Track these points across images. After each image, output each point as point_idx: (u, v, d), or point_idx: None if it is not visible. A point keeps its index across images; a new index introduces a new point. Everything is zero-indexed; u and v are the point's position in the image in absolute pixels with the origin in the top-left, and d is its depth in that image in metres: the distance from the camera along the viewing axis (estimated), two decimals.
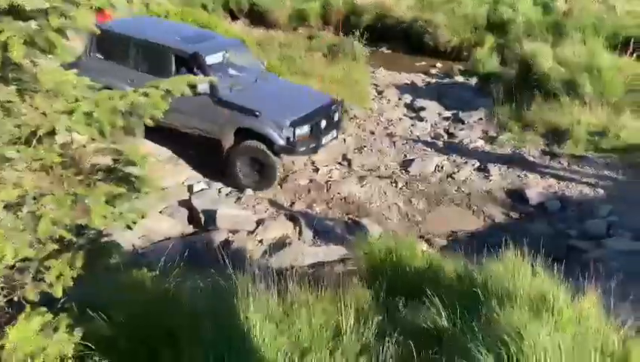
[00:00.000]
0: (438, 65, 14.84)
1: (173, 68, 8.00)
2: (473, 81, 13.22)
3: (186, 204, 7.43)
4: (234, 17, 19.43)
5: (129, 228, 2.87)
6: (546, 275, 3.31)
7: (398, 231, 6.93)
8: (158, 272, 3.76)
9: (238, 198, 7.82)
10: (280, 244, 6.76)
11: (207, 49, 8.10)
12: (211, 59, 8.04)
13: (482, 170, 8.68)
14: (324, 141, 8.12)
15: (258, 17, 19.44)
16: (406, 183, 8.24)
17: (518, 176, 8.50)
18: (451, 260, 4.32)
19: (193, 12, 12.32)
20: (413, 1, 17.99)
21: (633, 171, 8.33)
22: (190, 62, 7.93)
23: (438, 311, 2.96)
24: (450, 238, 7.07)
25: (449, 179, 8.43)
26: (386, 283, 3.50)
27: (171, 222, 6.98)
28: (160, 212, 7.10)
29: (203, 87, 7.44)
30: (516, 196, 7.94)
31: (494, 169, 8.63)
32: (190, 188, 7.96)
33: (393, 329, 2.80)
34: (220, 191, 8.08)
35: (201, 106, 7.76)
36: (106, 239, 3.09)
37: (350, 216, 7.49)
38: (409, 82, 13.46)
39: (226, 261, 3.82)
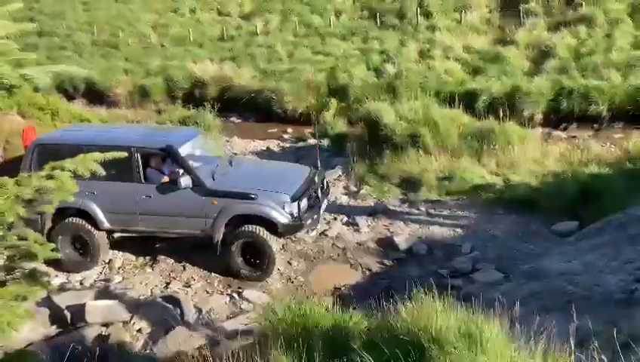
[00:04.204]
0: (289, 130, 15.32)
1: (141, 168, 7.23)
2: (325, 142, 13.82)
3: (46, 302, 6.54)
4: (69, 98, 18.38)
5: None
6: (455, 311, 3.43)
7: (284, 296, 6.80)
8: None
9: (106, 287, 7.12)
10: (162, 330, 6.23)
11: (175, 141, 7.45)
12: (184, 151, 7.40)
13: (351, 223, 8.95)
14: (321, 211, 7.83)
15: (96, 96, 18.66)
16: (283, 246, 8.18)
17: (384, 225, 8.91)
18: (355, 313, 4.31)
19: (26, 94, 11.34)
20: (254, 71, 18.64)
21: (481, 208, 9.22)
22: (164, 157, 7.37)
23: None
24: (334, 294, 7.09)
25: (322, 236, 8.55)
26: (307, 348, 3.35)
27: (30, 325, 6.07)
28: None
29: (185, 181, 6.97)
30: (387, 244, 8.28)
31: (362, 221, 8.94)
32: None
33: None
34: (82, 283, 7.31)
35: (184, 203, 7.10)
36: None
37: (232, 289, 7.19)
38: (265, 148, 13.68)
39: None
